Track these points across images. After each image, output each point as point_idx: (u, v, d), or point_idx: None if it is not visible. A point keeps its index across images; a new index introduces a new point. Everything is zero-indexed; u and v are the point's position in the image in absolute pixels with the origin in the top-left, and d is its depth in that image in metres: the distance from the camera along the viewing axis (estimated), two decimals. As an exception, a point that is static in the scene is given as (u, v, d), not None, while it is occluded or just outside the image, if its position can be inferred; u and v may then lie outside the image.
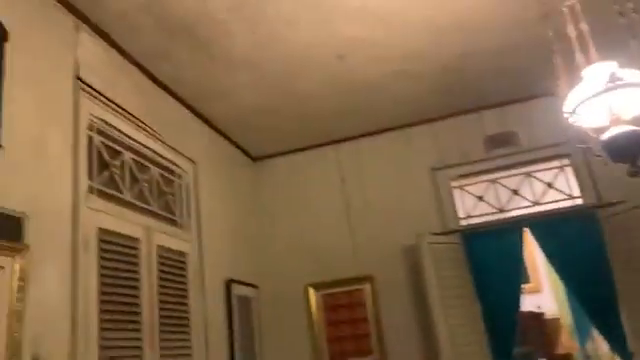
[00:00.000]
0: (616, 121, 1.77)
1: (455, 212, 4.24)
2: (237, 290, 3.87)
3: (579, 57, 1.95)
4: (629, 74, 1.74)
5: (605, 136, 1.77)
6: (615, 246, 3.68)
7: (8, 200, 1.98)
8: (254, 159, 4.84)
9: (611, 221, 3.72)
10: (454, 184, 4.34)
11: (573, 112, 1.83)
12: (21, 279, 1.90)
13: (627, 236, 3.61)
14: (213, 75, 3.39)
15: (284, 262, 4.47)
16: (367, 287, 4.21)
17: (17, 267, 1.90)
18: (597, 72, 1.78)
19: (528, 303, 5.39)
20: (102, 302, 2.43)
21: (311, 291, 4.32)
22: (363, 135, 4.59)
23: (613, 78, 1.70)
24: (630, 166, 1.73)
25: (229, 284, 3.77)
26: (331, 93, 3.83)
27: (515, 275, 3.92)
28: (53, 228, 2.22)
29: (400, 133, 4.53)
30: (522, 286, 4.06)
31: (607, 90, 1.71)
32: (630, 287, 3.57)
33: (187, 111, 3.72)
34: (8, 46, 2.00)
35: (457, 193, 4.33)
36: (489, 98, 4.22)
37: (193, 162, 3.67)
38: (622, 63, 1.82)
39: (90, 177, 2.57)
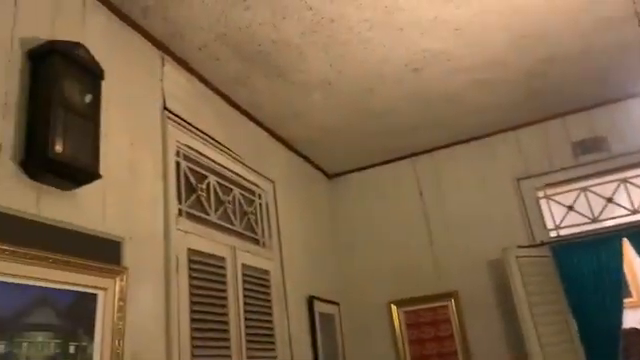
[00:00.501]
0: None
1: (543, 223, 4.04)
2: (319, 307, 3.89)
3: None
4: None
5: None
6: None
7: (108, 225, 2.14)
8: (330, 176, 4.89)
9: None
10: (540, 194, 4.14)
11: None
12: (121, 299, 2.04)
13: None
14: (288, 97, 3.48)
15: (364, 279, 4.46)
16: (451, 303, 4.09)
17: (117, 288, 2.03)
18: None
19: (630, 319, 4.99)
20: (193, 320, 2.54)
21: (393, 308, 4.27)
22: (441, 147, 4.52)
23: None
24: None
25: (311, 301, 3.81)
26: (407, 107, 3.80)
27: (615, 289, 3.65)
28: (147, 250, 2.36)
29: (480, 143, 4.41)
30: (623, 301, 3.76)
31: None
32: None
33: (265, 133, 3.85)
34: (104, 83, 2.16)
35: (544, 203, 4.12)
36: (575, 102, 4.01)
37: (272, 182, 3.77)
38: None
39: (179, 200, 2.71)
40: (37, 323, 1.69)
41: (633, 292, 5.55)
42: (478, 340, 3.94)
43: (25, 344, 1.63)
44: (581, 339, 3.59)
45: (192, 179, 2.91)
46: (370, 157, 4.63)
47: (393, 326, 4.23)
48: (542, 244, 3.91)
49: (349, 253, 4.59)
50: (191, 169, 2.92)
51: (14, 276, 1.64)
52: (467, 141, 4.43)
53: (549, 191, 4.13)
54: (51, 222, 1.86)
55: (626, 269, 4.19)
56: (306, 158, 4.45)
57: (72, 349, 1.79)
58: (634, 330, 5.10)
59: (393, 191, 4.63)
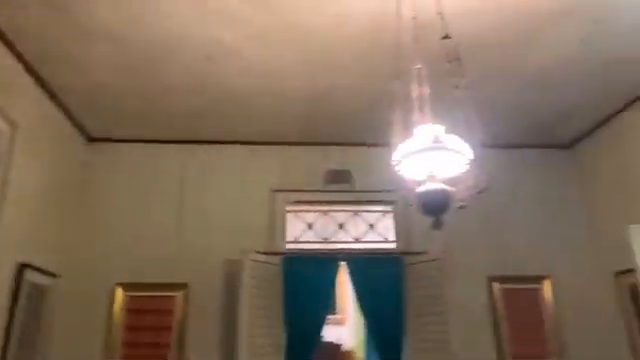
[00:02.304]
0: (431, 178, 2.00)
1: (284, 235, 4.36)
2: (31, 276, 3.44)
3: (416, 115, 2.17)
4: (451, 140, 1.98)
5: (420, 189, 1.98)
6: (412, 292, 4.10)
7: None
8: (92, 139, 4.46)
9: (414, 268, 4.15)
10: (289, 208, 4.48)
11: (400, 162, 2.02)
12: None
13: (423, 284, 4.05)
14: (66, 39, 3.07)
15: (98, 255, 4.16)
16: (180, 295, 4.07)
17: None
18: (426, 132, 2.00)
19: (331, 334, 5.72)
20: None
21: (119, 291, 4.05)
22: (213, 142, 4.55)
23: (437, 140, 1.92)
24: (434, 220, 1.95)
25: (22, 268, 3.34)
26: (191, 92, 3.73)
27: (323, 305, 4.12)
28: None
29: (251, 148, 4.58)
30: (328, 317, 4.26)
31: (429, 149, 1.92)
32: (417, 329, 3.99)
33: (21, 67, 3.30)
34: None
35: (290, 217, 4.46)
36: (338, 136, 4.49)
37: (14, 125, 3.24)
38: (450, 128, 2.06)
39: None
40: None
41: (340, 311, 6.38)
42: (196, 334, 3.99)
43: None
44: (286, 345, 3.92)
45: None
46: (141, 131, 4.38)
47: (113, 309, 4.00)
48: (277, 254, 4.21)
49: (90, 224, 4.25)
50: None
51: None
52: (239, 143, 4.56)
53: (297, 207, 4.51)
54: None
55: (338, 290, 4.78)
56: (67, 112, 3.96)
57: None
58: (330, 344, 5.86)
59: (156, 173, 4.47)
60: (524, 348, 4.13)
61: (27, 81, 3.43)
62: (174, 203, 4.38)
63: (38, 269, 3.55)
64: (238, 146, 4.57)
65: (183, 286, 4.09)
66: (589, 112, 4.17)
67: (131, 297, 4.06)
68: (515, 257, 4.38)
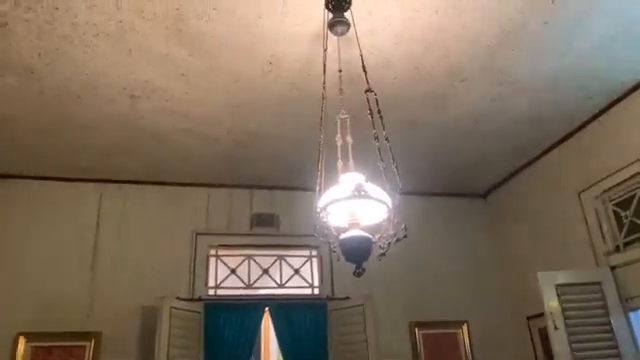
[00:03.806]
0: (354, 225, 2.04)
1: (206, 280, 4.23)
2: None
3: (340, 164, 2.23)
4: (372, 188, 2.05)
5: (343, 236, 2.01)
6: (335, 337, 4.09)
7: None
8: (-6, 176, 4.17)
9: (337, 314, 4.15)
10: (212, 252, 4.37)
11: (324, 209, 2.05)
12: None
13: (347, 329, 4.05)
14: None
15: (-1, 299, 3.80)
16: (90, 345, 3.80)
17: None
18: (349, 180, 2.05)
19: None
20: None
21: (22, 340, 3.72)
22: (133, 182, 4.39)
23: (358, 188, 1.97)
24: (356, 267, 1.98)
25: None
26: (111, 130, 3.62)
27: (246, 353, 3.98)
28: None
29: (173, 189, 4.47)
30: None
31: (351, 197, 1.97)
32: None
33: None
34: None
35: (213, 261, 4.35)
36: (264, 179, 4.49)
37: None
38: (371, 177, 2.13)
39: None
40: None
41: (263, 358, 6.18)
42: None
43: None
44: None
45: None
46: (54, 168, 4.15)
47: (15, 360, 3.66)
48: (199, 300, 4.07)
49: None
50: None
51: None
52: (160, 184, 4.44)
53: (221, 251, 4.40)
54: None
55: (262, 336, 4.65)
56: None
57: None
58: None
59: (68, 213, 4.23)
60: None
61: None
62: (87, 245, 4.15)
63: None
64: (159, 187, 4.44)
65: (95, 335, 3.82)
66: (501, 164, 4.48)
67: (35, 348, 3.74)
68: (435, 303, 4.52)
